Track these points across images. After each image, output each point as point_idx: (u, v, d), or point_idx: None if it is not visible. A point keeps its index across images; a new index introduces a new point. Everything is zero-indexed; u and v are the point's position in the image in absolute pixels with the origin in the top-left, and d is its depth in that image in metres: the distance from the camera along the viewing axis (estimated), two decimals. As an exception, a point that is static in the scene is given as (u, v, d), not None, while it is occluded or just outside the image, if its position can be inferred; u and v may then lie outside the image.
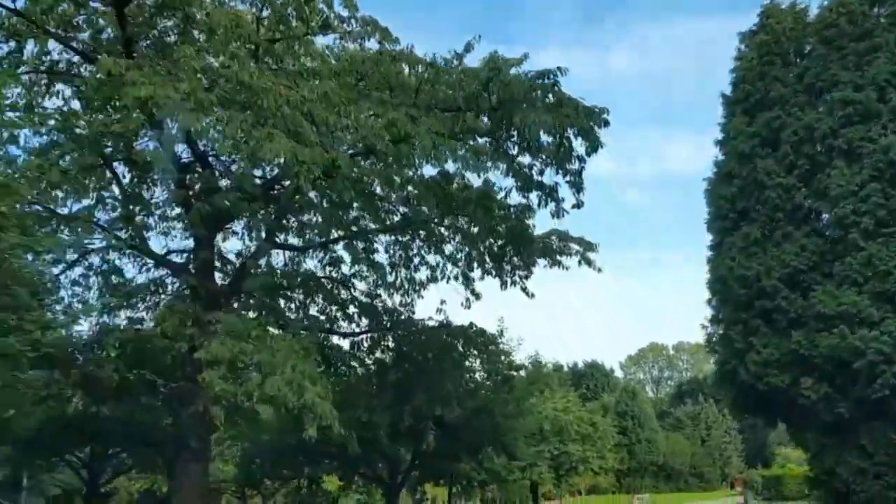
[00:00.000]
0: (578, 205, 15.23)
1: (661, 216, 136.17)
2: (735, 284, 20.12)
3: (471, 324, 19.43)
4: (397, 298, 19.93)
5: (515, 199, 15.82)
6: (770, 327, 19.75)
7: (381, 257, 19.05)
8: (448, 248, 18.95)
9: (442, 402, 19.11)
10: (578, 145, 14.33)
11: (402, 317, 20.00)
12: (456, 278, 18.87)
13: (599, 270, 17.10)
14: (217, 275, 17.22)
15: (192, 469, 14.68)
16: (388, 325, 19.79)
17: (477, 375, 23.02)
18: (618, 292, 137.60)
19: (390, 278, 19.53)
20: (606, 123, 14.05)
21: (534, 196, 15.66)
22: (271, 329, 15.22)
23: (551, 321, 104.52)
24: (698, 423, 79.98)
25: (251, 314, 16.47)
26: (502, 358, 22.35)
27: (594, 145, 14.06)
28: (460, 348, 20.54)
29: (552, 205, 15.60)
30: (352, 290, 19.76)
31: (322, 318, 19.35)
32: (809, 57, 20.36)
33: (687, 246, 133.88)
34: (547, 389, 44.46)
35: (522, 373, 24.72)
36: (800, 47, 20.73)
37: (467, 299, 18.67)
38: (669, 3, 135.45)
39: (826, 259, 19.02)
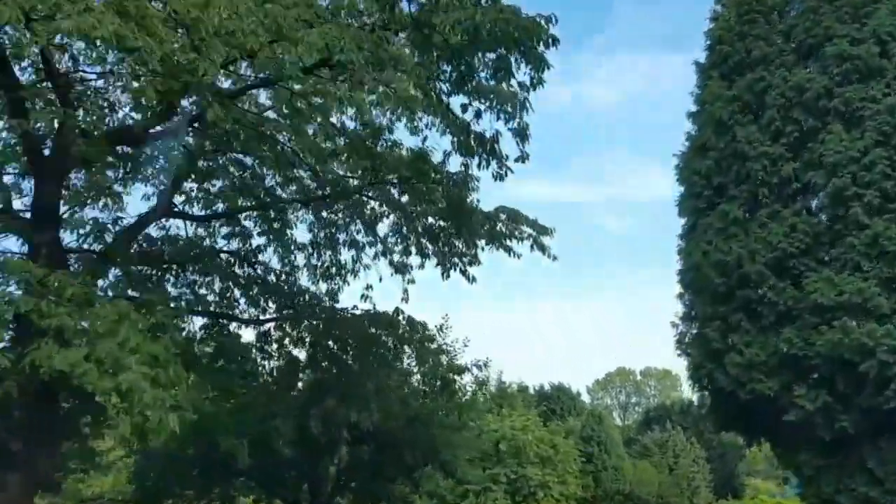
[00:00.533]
0: (523, 158, 12.53)
1: (634, 242, 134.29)
2: (711, 272, 17.02)
3: (397, 309, 16.14)
4: (323, 287, 17.43)
5: (454, 166, 13.73)
6: (754, 323, 16.61)
7: (303, 237, 16.76)
8: (381, 228, 16.50)
9: (358, 405, 15.71)
10: (522, 74, 11.58)
11: (318, 303, 16.92)
12: (387, 259, 16.55)
13: (555, 258, 14.89)
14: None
15: (8, 481, 11.14)
16: (300, 311, 16.59)
17: (413, 379, 19.84)
18: (585, 316, 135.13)
19: (314, 260, 17.13)
20: (555, 41, 11.02)
21: (474, 161, 13.27)
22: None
23: (517, 342, 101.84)
24: (666, 451, 77.31)
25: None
26: (441, 358, 19.10)
27: (539, 66, 11.04)
28: (390, 344, 17.50)
29: (494, 164, 12.95)
30: (256, 267, 16.59)
31: (219, 299, 16.16)
32: (798, 12, 17.59)
33: (661, 270, 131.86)
34: (507, 407, 41.46)
35: (467, 378, 21.37)
36: (785, 2, 18.02)
37: (405, 290, 16.17)
38: (650, 37, 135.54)
39: (821, 241, 15.97)
